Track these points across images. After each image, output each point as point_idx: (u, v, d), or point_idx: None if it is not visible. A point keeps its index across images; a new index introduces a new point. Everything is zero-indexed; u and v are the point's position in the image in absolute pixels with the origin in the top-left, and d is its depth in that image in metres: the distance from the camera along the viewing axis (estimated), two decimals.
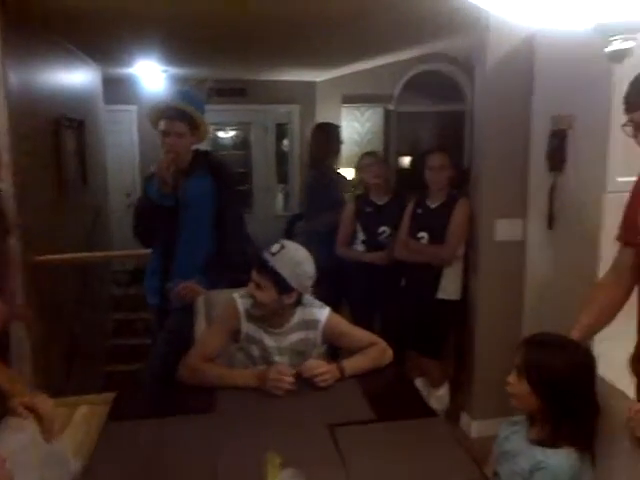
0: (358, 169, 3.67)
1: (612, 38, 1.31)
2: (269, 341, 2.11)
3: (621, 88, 1.64)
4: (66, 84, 4.55)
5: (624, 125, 1.60)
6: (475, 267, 3.24)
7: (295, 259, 2.03)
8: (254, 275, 2.03)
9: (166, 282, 2.65)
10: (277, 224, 6.91)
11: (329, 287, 2.97)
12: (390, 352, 2.17)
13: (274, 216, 7.84)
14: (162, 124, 2.56)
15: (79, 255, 3.91)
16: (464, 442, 2.79)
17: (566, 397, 1.51)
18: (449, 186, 3.19)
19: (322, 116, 6.85)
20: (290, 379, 1.91)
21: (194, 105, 2.62)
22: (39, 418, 1.44)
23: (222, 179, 2.68)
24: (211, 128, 7.58)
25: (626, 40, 1.30)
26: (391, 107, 7.10)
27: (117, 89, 6.68)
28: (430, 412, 1.89)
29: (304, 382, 1.95)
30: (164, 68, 6.16)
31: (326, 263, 3.02)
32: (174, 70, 6.30)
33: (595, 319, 1.81)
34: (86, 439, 1.69)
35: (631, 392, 1.71)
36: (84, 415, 1.86)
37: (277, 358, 2.10)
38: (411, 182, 3.50)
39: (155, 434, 1.70)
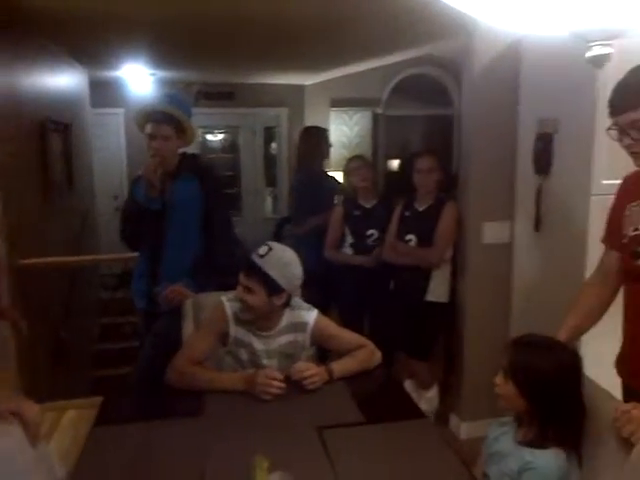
0: (346, 173, 3.68)
1: (591, 44, 1.33)
2: (258, 344, 2.11)
3: (605, 92, 1.66)
4: (52, 87, 4.52)
5: (609, 129, 1.61)
6: (463, 269, 3.26)
7: (283, 260, 2.03)
8: (243, 279, 2.03)
9: (154, 285, 2.64)
10: (266, 227, 6.91)
11: (318, 290, 2.97)
12: (379, 354, 2.18)
13: (263, 219, 7.84)
14: (148, 127, 2.56)
15: (66, 259, 3.88)
16: (453, 443, 2.80)
17: (552, 398, 1.52)
18: (437, 189, 3.20)
19: (311, 119, 6.86)
20: (278, 383, 1.90)
21: (181, 108, 2.61)
22: (25, 423, 1.43)
23: (209, 182, 2.68)
24: (199, 131, 7.57)
25: (604, 46, 1.32)
26: (379, 111, 7.11)
27: (104, 92, 6.65)
28: (418, 414, 1.90)
29: (293, 385, 1.94)
30: (151, 71, 6.14)
31: (315, 266, 3.03)
32: (162, 73, 6.28)
33: (581, 320, 1.82)
34: (73, 443, 1.69)
35: (617, 393, 1.72)
36: (71, 420, 1.86)
37: (265, 361, 2.10)
38: (399, 185, 3.50)
39: (143, 438, 1.69)
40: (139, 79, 6.36)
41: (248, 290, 2.01)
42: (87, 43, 4.37)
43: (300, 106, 7.34)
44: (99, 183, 6.53)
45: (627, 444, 1.38)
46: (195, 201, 2.62)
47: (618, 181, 1.82)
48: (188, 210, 2.62)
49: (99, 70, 5.88)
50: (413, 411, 1.91)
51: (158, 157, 2.54)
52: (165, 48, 4.69)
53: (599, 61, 1.37)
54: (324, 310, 2.27)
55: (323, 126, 4.83)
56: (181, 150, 2.69)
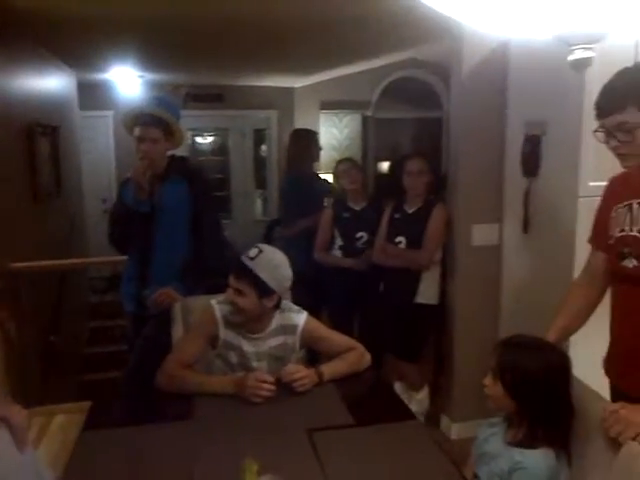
0: (335, 175, 3.68)
1: (573, 48, 1.34)
2: (247, 347, 2.10)
3: (592, 94, 1.67)
4: (40, 90, 4.50)
5: (595, 131, 1.62)
6: (452, 271, 3.27)
7: (274, 262, 2.04)
8: (233, 282, 2.02)
9: (143, 289, 2.63)
10: (256, 229, 6.90)
11: (308, 292, 2.97)
12: (368, 356, 2.18)
13: (253, 221, 7.83)
14: (137, 130, 2.55)
15: (54, 262, 3.85)
16: (444, 444, 2.81)
17: (541, 399, 1.53)
18: (427, 191, 3.21)
19: (300, 122, 6.87)
20: (269, 386, 1.90)
21: (169, 111, 2.61)
22: (12, 428, 1.41)
23: (198, 184, 2.68)
24: (189, 134, 7.56)
25: (586, 50, 1.34)
26: (369, 113, 7.14)
27: (93, 95, 6.63)
28: (408, 415, 1.90)
29: (283, 387, 1.94)
30: (140, 74, 6.13)
31: (304, 268, 3.04)
32: (150, 76, 6.27)
33: (570, 321, 1.83)
34: (62, 448, 1.68)
35: (606, 393, 1.73)
36: (60, 424, 1.84)
37: (255, 364, 2.09)
38: (389, 187, 3.51)
39: (132, 442, 1.68)
40: (128, 81, 6.35)
41: (239, 292, 2.01)
42: (75, 45, 4.36)
43: (290, 108, 7.35)
44: (88, 186, 6.51)
45: (615, 444, 1.40)
46: (184, 204, 2.62)
47: (605, 183, 1.84)
48: (177, 213, 2.61)
49: (87, 72, 5.86)
50: (403, 413, 1.91)
51: (147, 160, 2.53)
52: (153, 50, 4.68)
53: (581, 65, 1.38)
54: (314, 312, 2.27)
55: (313, 129, 4.84)
56: (170, 152, 2.69)
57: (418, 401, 3.33)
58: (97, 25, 3.53)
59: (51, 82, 4.98)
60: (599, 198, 1.84)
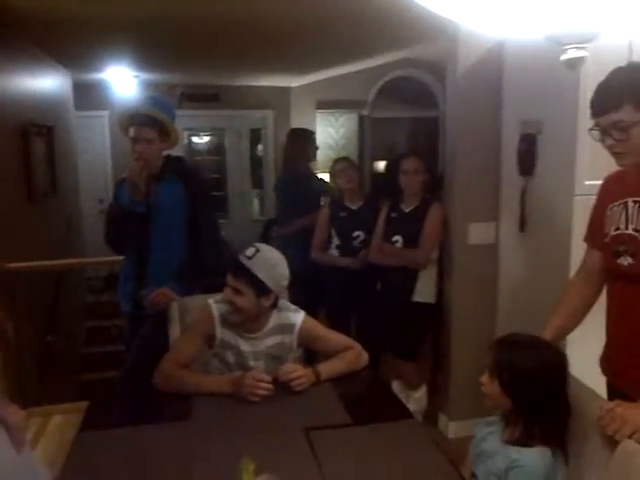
0: (332, 174, 3.69)
1: (566, 47, 1.34)
2: (245, 346, 2.10)
3: (587, 93, 1.68)
4: (35, 90, 4.49)
5: (591, 129, 1.63)
6: (449, 270, 3.27)
7: (271, 261, 2.04)
8: (231, 281, 2.03)
9: (140, 289, 2.62)
10: (253, 229, 6.90)
11: (305, 292, 2.98)
12: (366, 356, 2.18)
13: (250, 221, 7.83)
14: (132, 131, 2.55)
15: (50, 262, 3.85)
16: (442, 443, 2.81)
17: (537, 397, 1.53)
18: (423, 190, 3.21)
19: (297, 121, 6.87)
20: (266, 385, 1.90)
21: (164, 111, 2.61)
22: (9, 428, 1.41)
23: (193, 184, 2.68)
24: (185, 134, 7.55)
25: (579, 49, 1.34)
26: (365, 113, 7.14)
27: (88, 95, 6.62)
28: (406, 414, 1.90)
29: (280, 386, 1.94)
30: (135, 73, 6.12)
31: (301, 268, 3.04)
32: (146, 75, 6.26)
33: (566, 320, 1.84)
34: (60, 449, 1.68)
35: (603, 391, 1.74)
36: (58, 425, 1.84)
37: (252, 363, 2.09)
38: (386, 186, 3.52)
39: (129, 442, 1.68)
40: (123, 81, 6.34)
41: (236, 292, 2.01)
42: (70, 45, 4.35)
43: (286, 108, 7.35)
44: (84, 186, 6.49)
45: (612, 442, 1.40)
46: (180, 204, 2.61)
47: (600, 182, 1.84)
48: (173, 213, 2.61)
49: (83, 72, 5.85)
50: (400, 412, 1.91)
51: (142, 160, 2.53)
52: (149, 50, 4.68)
53: (574, 64, 1.38)
54: (312, 312, 2.28)
55: (310, 128, 4.83)
56: (165, 152, 2.68)
57: (416, 400, 3.34)
58: (92, 25, 3.53)
59: (46, 82, 4.97)
60: (595, 197, 1.85)
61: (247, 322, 2.09)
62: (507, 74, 3.06)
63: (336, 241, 3.50)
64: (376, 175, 7.00)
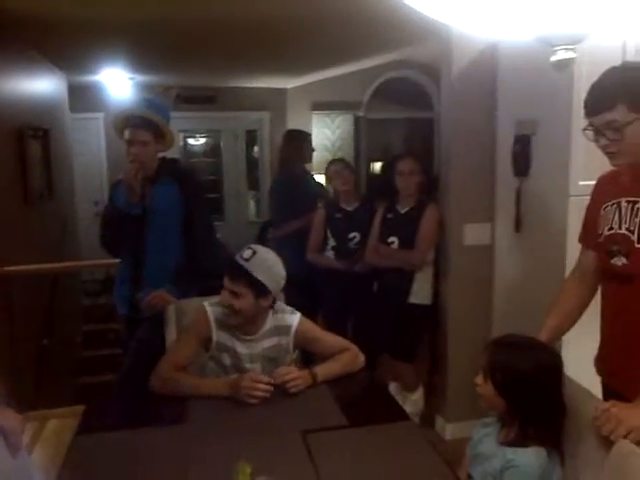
0: (327, 176, 3.69)
1: (555, 48, 1.34)
2: (241, 348, 2.10)
3: (581, 94, 1.68)
4: (30, 92, 4.48)
5: (585, 129, 1.63)
6: (445, 271, 3.28)
7: (268, 262, 2.05)
8: (228, 284, 2.02)
9: (136, 291, 2.62)
10: (249, 230, 6.89)
11: (301, 294, 2.98)
12: (362, 357, 2.18)
13: (246, 222, 7.82)
14: (127, 133, 2.55)
15: (46, 266, 3.84)
16: (439, 445, 2.81)
17: (531, 398, 1.54)
18: (419, 191, 3.21)
19: (292, 123, 6.87)
20: (264, 386, 1.90)
21: (159, 113, 2.61)
22: (5, 433, 1.41)
23: (189, 186, 2.67)
24: (181, 135, 7.54)
25: (568, 50, 1.34)
26: (361, 114, 7.15)
27: (84, 97, 6.60)
28: (402, 416, 1.90)
29: (276, 389, 1.94)
30: (131, 75, 6.11)
31: (298, 270, 3.04)
32: (141, 77, 6.25)
33: (561, 320, 1.84)
34: (56, 454, 1.66)
35: (598, 392, 1.74)
36: (54, 429, 1.83)
37: (249, 365, 2.09)
38: (381, 187, 3.52)
39: (126, 446, 1.67)
40: (118, 83, 6.33)
41: (235, 295, 2.01)
42: (66, 47, 4.34)
43: (282, 109, 7.35)
44: (79, 188, 6.48)
45: (607, 442, 1.40)
46: (175, 206, 2.61)
47: (595, 182, 1.85)
48: (168, 215, 2.61)
49: (78, 74, 5.84)
50: (397, 413, 1.91)
51: (137, 162, 2.53)
52: (144, 52, 4.67)
53: (563, 65, 1.38)
54: (309, 314, 2.27)
55: (305, 129, 4.84)
56: (161, 155, 2.68)
57: (413, 402, 3.34)
58: (87, 27, 3.52)
59: (41, 84, 4.96)
60: (589, 197, 1.85)
61: (244, 324, 2.09)
62: (501, 75, 3.07)
63: (332, 242, 3.50)
64: (372, 176, 7.01)
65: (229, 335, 2.10)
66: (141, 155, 2.54)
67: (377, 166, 7.14)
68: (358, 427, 1.77)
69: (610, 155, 1.61)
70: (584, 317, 1.86)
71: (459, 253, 3.23)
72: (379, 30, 3.67)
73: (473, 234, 3.22)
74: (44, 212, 4.43)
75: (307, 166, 4.18)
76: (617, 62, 1.67)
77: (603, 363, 1.80)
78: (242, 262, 2.01)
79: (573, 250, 2.11)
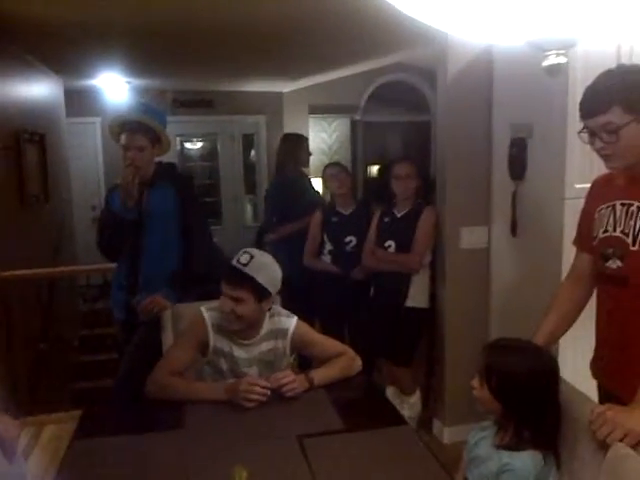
0: (323, 179, 3.69)
1: (547, 53, 1.35)
2: (239, 352, 2.10)
3: (576, 97, 1.69)
4: (26, 97, 4.48)
5: (580, 132, 1.64)
6: (442, 275, 3.28)
7: (267, 265, 2.06)
8: (229, 290, 2.01)
9: (132, 296, 2.61)
10: (246, 234, 6.90)
11: (299, 298, 2.98)
12: (359, 361, 2.18)
13: (243, 226, 7.83)
14: (123, 138, 2.54)
15: (43, 270, 3.84)
16: (437, 449, 2.80)
17: (525, 401, 1.54)
18: (415, 195, 3.22)
19: (289, 127, 6.88)
20: (261, 390, 1.90)
21: (156, 118, 2.60)
22: (1, 438, 1.41)
23: (185, 191, 2.67)
24: (178, 139, 7.54)
25: (559, 55, 1.35)
26: (357, 117, 7.16)
27: (80, 101, 6.61)
28: (399, 420, 1.90)
29: (273, 393, 1.94)
30: (127, 80, 6.11)
31: (295, 274, 3.04)
32: (138, 82, 6.25)
33: (557, 324, 1.84)
34: (53, 459, 1.66)
35: (595, 395, 1.75)
36: (51, 434, 1.83)
37: (246, 369, 2.09)
38: (378, 191, 3.52)
39: (123, 451, 1.67)
40: (115, 88, 6.33)
41: (236, 301, 2.00)
42: (62, 52, 4.34)
43: (279, 113, 7.36)
44: (76, 193, 6.48)
45: (604, 445, 1.40)
46: (172, 210, 2.61)
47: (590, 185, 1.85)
48: (165, 219, 2.61)
49: (74, 79, 5.84)
50: (394, 417, 1.91)
51: (133, 167, 2.52)
52: (141, 56, 4.68)
53: (555, 70, 1.39)
54: (306, 319, 2.27)
55: (302, 133, 4.84)
56: (157, 159, 2.68)
57: (410, 405, 3.33)
58: (84, 31, 3.53)
59: (38, 89, 4.96)
60: (583, 200, 1.86)
61: (246, 329, 2.09)
62: (497, 78, 3.07)
63: (328, 246, 3.50)
64: (369, 180, 7.01)
65: (227, 340, 2.10)
66: (137, 160, 2.54)
67: (374, 169, 7.15)
68: (355, 431, 1.77)
69: (605, 157, 1.62)
70: (580, 320, 1.86)
71: (456, 256, 3.23)
72: (375, 34, 3.68)
73: (470, 237, 3.22)
74: (41, 216, 4.43)
75: (302, 169, 4.18)
76: (611, 66, 1.67)
77: (599, 366, 1.80)
78: (243, 268, 2.00)
79: (569, 253, 2.11)
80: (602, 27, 1.21)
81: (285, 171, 4.03)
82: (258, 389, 1.89)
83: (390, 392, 3.32)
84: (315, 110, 7.05)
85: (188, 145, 7.98)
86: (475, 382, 1.62)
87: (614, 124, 1.52)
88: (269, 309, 2.11)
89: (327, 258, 3.51)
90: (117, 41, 3.94)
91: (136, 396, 2.03)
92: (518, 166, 2.90)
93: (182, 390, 1.98)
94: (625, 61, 2.43)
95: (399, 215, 3.24)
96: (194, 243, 2.63)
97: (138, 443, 1.71)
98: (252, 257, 2.02)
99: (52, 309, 4.35)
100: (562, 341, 2.02)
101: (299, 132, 4.79)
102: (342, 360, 2.14)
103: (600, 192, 1.76)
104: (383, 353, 3.31)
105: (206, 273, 2.58)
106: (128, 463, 1.61)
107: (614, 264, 1.64)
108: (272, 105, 7.38)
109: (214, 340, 2.09)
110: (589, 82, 1.61)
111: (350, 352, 2.18)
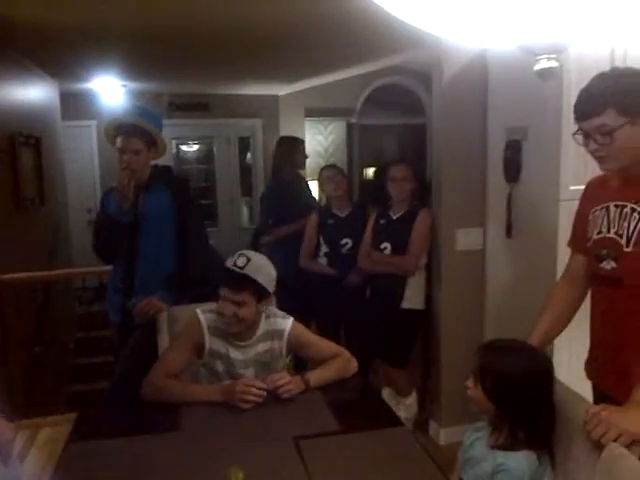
0: (319, 182, 3.70)
1: (538, 57, 1.36)
2: (235, 354, 2.10)
3: (571, 100, 1.70)
4: (22, 100, 4.48)
5: (574, 134, 1.65)
6: (437, 276, 3.28)
7: (263, 265, 2.07)
8: (230, 294, 2.00)
9: (128, 299, 2.61)
10: (242, 237, 6.89)
11: (295, 300, 2.98)
12: (355, 363, 2.18)
13: (239, 229, 7.82)
14: (119, 141, 2.54)
15: (39, 273, 3.83)
16: (433, 450, 2.81)
17: (519, 402, 1.55)
18: (411, 197, 3.23)
19: (285, 130, 6.89)
20: (257, 391, 1.90)
21: (152, 121, 2.61)
22: None
23: (181, 193, 2.68)
24: (174, 142, 7.54)
25: (550, 60, 1.35)
26: (353, 120, 7.18)
27: (76, 105, 6.60)
28: (395, 422, 1.90)
29: (269, 395, 1.94)
30: (123, 83, 6.10)
31: (291, 276, 3.05)
32: (134, 85, 6.25)
33: (551, 325, 1.85)
34: (49, 462, 1.66)
35: (589, 395, 1.75)
36: (47, 437, 1.83)
37: (242, 371, 2.09)
38: (374, 194, 3.53)
39: (119, 454, 1.67)
40: (111, 91, 6.32)
41: (238, 304, 2.00)
42: (58, 55, 4.34)
43: (275, 116, 7.37)
44: (72, 196, 6.47)
45: (598, 445, 1.40)
46: (168, 213, 2.61)
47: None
48: (161, 222, 2.61)
49: (70, 82, 5.83)
50: (390, 419, 1.92)
51: (129, 170, 2.53)
52: (137, 60, 4.68)
53: (546, 74, 1.39)
54: (302, 320, 2.27)
55: (298, 136, 4.85)
56: (153, 162, 2.68)
57: (406, 407, 3.34)
58: (80, 35, 3.52)
59: (33, 92, 4.95)
60: (577, 201, 1.87)
61: (244, 330, 2.09)
62: (492, 81, 3.09)
63: (324, 249, 3.51)
64: (365, 182, 7.03)
65: (223, 342, 2.10)
66: (133, 163, 2.54)
67: (370, 172, 7.17)
68: (351, 433, 1.77)
69: (600, 159, 1.62)
70: (574, 321, 1.87)
71: (451, 258, 3.24)
72: (370, 38, 3.69)
73: (465, 239, 3.23)
74: (36, 219, 4.43)
75: (298, 172, 4.19)
76: (605, 69, 1.68)
77: (593, 367, 1.80)
78: (241, 270, 2.00)
79: (564, 254, 2.12)
80: (592, 32, 1.22)
81: (281, 174, 4.04)
82: (254, 390, 1.90)
83: (386, 393, 3.33)
84: (311, 113, 7.06)
85: (184, 148, 7.98)
86: (470, 382, 1.63)
87: (608, 126, 1.53)
88: (265, 309, 2.11)
89: (323, 260, 3.52)
90: (114, 45, 3.94)
91: (132, 398, 2.03)
92: (513, 168, 2.91)
93: (178, 392, 1.98)
94: (619, 64, 2.44)
95: (395, 217, 3.24)
96: (190, 246, 2.64)
97: (134, 445, 1.71)
98: (249, 259, 2.02)
99: (48, 312, 4.34)
100: (557, 342, 2.03)
101: (295, 135, 4.80)
102: (338, 362, 2.14)
103: (594, 194, 1.77)
104: (379, 354, 3.32)
105: (202, 275, 2.58)
106: (124, 465, 1.61)
107: (608, 265, 1.65)
108: (268, 108, 7.39)
109: (210, 342, 2.10)
110: (583, 85, 1.62)
111: (346, 353, 2.19)
